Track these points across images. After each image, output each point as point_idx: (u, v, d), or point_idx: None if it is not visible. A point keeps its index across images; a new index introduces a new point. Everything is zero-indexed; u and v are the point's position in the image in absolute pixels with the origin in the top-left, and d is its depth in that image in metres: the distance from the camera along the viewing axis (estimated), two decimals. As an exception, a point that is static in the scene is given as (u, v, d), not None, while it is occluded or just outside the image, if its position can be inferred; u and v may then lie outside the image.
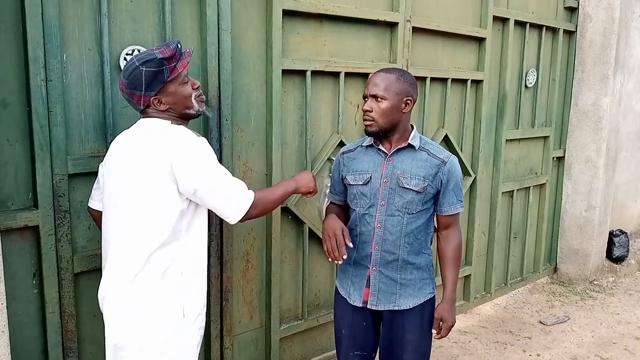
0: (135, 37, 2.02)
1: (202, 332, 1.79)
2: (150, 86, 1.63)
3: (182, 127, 1.69)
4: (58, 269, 1.93)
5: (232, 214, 1.67)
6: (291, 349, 2.80)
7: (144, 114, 1.72)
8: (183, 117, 1.75)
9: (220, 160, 2.27)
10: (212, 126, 2.24)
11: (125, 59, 1.99)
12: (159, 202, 1.60)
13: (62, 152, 1.88)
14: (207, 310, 2.36)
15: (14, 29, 1.77)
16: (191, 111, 1.74)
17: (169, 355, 1.66)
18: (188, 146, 1.62)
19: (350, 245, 1.85)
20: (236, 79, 2.33)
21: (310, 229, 2.71)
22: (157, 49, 1.64)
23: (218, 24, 2.20)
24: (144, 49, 2.01)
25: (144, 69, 1.61)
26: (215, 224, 2.32)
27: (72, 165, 1.92)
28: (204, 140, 1.67)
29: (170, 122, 1.70)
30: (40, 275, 1.92)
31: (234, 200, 1.66)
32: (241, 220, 1.70)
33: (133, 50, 2.01)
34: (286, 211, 2.61)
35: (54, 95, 1.84)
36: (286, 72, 2.46)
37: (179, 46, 1.67)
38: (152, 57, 1.61)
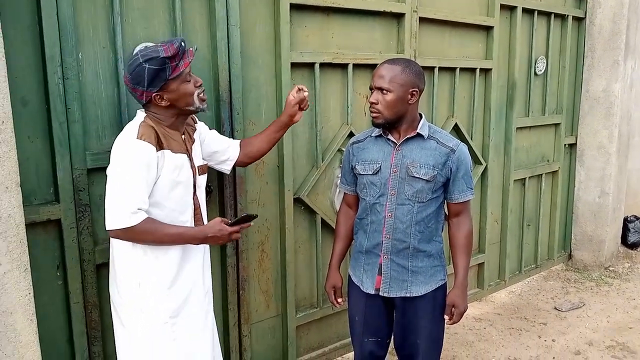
0: (147, 34, 2.08)
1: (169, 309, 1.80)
2: (153, 83, 1.68)
3: (136, 127, 1.70)
4: (80, 260, 2.00)
5: (106, 223, 1.65)
6: (307, 337, 2.85)
7: (145, 107, 1.78)
8: (183, 113, 1.80)
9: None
10: (224, 120, 2.30)
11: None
12: None
13: (81, 148, 1.95)
14: (224, 299, 2.45)
15: (30, 29, 1.83)
16: (191, 108, 1.78)
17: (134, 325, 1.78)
18: (118, 146, 1.69)
19: (337, 306, 2.19)
20: (246, 73, 2.37)
21: (322, 219, 2.75)
22: (161, 46, 1.68)
23: (227, 20, 2.25)
24: (155, 46, 2.07)
25: (147, 66, 1.65)
26: (230, 214, 2.37)
27: (91, 160, 1.98)
28: (139, 145, 1.65)
29: (145, 118, 1.73)
30: (63, 267, 1.99)
31: (112, 212, 1.63)
32: (111, 234, 1.67)
33: (145, 47, 2.06)
34: (298, 202, 2.65)
35: (71, 92, 1.90)
36: (295, 65, 2.50)
37: (183, 45, 1.70)
38: (156, 55, 1.66)
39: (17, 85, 1.81)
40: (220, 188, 2.35)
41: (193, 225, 1.85)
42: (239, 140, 2.15)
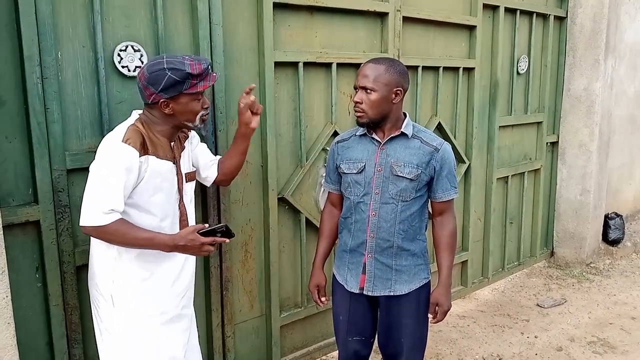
0: (128, 33, 2.05)
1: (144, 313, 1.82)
2: (166, 90, 1.70)
3: (124, 129, 1.71)
4: (60, 262, 1.97)
5: (80, 219, 1.67)
6: (292, 336, 2.85)
7: (147, 106, 1.78)
8: (180, 126, 1.82)
9: (215, 153, 2.30)
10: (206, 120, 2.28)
11: (119, 54, 2.03)
12: None
13: (60, 148, 1.92)
14: (207, 300, 2.43)
15: (8, 27, 1.80)
16: (190, 124, 1.80)
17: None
18: (103, 145, 1.71)
19: (321, 305, 2.18)
20: (229, 72, 2.36)
21: (307, 219, 2.75)
22: (189, 61, 1.72)
23: (209, 18, 2.23)
24: (138, 45, 2.05)
25: (169, 74, 1.68)
26: (214, 214, 2.36)
27: (71, 161, 1.96)
28: (122, 149, 1.67)
29: (136, 121, 1.75)
30: (42, 269, 1.96)
31: (86, 210, 1.65)
32: (83, 230, 1.69)
33: (127, 46, 2.04)
34: (282, 201, 2.65)
35: (50, 92, 1.87)
36: (278, 64, 2.49)
37: (209, 68, 1.75)
38: (181, 68, 1.69)
39: (-6, 85, 1.78)
40: (203, 188, 2.33)
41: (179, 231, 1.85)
42: (218, 159, 2.13)
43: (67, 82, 1.94)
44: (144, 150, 1.72)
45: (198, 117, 1.79)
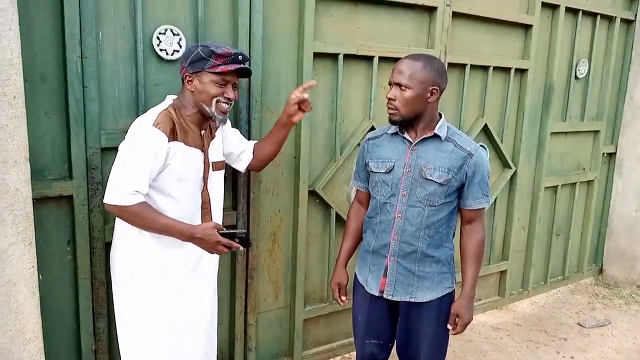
0: (168, 17, 2.07)
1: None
2: (192, 65, 1.77)
3: (156, 113, 1.75)
4: (90, 237, 2.03)
5: (105, 195, 1.71)
6: (315, 331, 2.83)
7: (181, 89, 1.85)
8: (200, 110, 1.82)
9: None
10: (241, 107, 2.28)
11: (158, 38, 2.05)
12: None
13: (96, 127, 1.97)
14: (232, 286, 2.45)
15: (51, 6, 1.85)
16: (206, 108, 1.80)
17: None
18: (135, 126, 1.75)
19: (341, 304, 2.14)
20: (267, 61, 2.34)
21: (337, 214, 2.71)
22: (223, 46, 1.79)
23: (250, 5, 2.22)
24: (177, 29, 2.07)
25: (199, 50, 1.76)
26: (243, 202, 2.36)
27: (106, 139, 2.00)
28: (152, 132, 1.69)
29: (169, 107, 1.79)
30: (73, 243, 2.02)
31: (111, 188, 1.69)
32: (106, 207, 1.72)
33: (166, 30, 2.06)
34: (313, 194, 2.62)
35: (89, 71, 1.92)
36: (318, 55, 2.46)
37: (239, 57, 1.78)
38: (209, 47, 1.76)
39: (37, 62, 1.85)
40: (234, 176, 2.34)
41: (200, 219, 1.87)
42: (254, 144, 2.13)
43: (106, 62, 1.98)
44: (173, 136, 1.75)
45: (214, 101, 1.79)
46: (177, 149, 1.76)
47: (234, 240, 1.77)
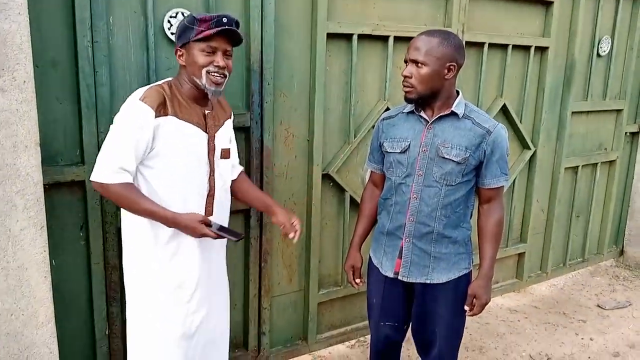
0: (180, 1, 2.04)
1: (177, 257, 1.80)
2: (180, 38, 1.73)
3: (144, 89, 1.69)
4: (103, 223, 2.04)
5: (92, 172, 1.67)
6: (330, 314, 2.83)
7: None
8: (194, 84, 1.74)
9: (261, 125, 2.28)
10: (253, 90, 2.25)
11: (169, 21, 2.02)
12: None
13: (107, 112, 1.96)
14: (246, 270, 2.44)
15: (62, -10, 1.83)
16: (197, 81, 1.72)
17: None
18: (125, 103, 1.69)
19: (356, 287, 2.11)
20: (279, 43, 2.30)
21: (351, 197, 2.68)
22: (205, 14, 1.72)
23: (261, -14, 2.18)
24: (188, 12, 2.03)
25: (184, 22, 1.72)
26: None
27: (117, 125, 1.99)
28: (137, 106, 1.64)
29: (163, 82, 1.75)
30: (86, 228, 2.03)
31: (97, 165, 1.66)
32: (92, 185, 1.70)
33: (177, 13, 2.03)
34: (327, 178, 2.59)
35: (100, 56, 1.90)
36: (331, 36, 2.41)
37: (222, 19, 1.68)
38: (193, 15, 1.71)
39: (47, 46, 1.84)
40: (247, 160, 2.32)
41: (203, 207, 1.81)
42: (242, 169, 2.06)
43: (117, 46, 1.97)
44: (163, 110, 1.67)
45: (204, 72, 1.70)
46: (168, 123, 1.68)
47: (227, 233, 1.73)
